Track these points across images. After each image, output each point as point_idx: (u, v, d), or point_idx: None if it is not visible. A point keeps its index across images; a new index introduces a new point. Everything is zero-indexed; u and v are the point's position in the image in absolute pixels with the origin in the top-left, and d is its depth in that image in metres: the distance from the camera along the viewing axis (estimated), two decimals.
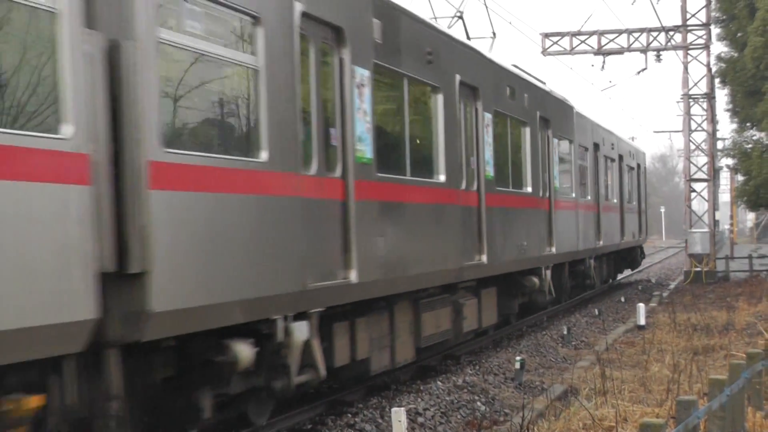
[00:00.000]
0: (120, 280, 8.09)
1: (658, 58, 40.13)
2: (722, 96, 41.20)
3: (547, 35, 41.57)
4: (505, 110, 19.82)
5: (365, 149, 12.53)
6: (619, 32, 40.51)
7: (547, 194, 23.04)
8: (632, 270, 43.24)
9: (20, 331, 7.02)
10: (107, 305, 7.94)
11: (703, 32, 39.47)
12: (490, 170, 18.10)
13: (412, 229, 14.12)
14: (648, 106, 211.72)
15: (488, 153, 18.02)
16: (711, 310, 26.66)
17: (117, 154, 8.15)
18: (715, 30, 39.76)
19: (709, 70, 40.17)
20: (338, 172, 11.88)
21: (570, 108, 27.20)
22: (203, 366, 9.64)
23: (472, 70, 17.41)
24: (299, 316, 10.70)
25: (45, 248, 7.28)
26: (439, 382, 15.27)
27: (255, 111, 10.14)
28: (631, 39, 40.29)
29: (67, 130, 7.54)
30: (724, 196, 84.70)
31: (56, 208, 7.41)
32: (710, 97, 40.85)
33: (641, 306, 24.06)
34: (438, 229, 15.26)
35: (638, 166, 39.42)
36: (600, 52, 40.61)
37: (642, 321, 23.50)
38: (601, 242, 30.11)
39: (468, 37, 23.34)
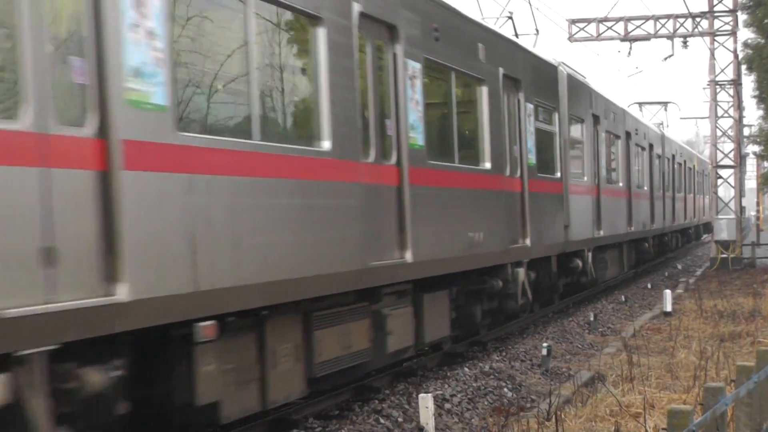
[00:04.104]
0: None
1: (685, 44, 39.99)
2: (749, 82, 40.84)
3: (573, 21, 41.49)
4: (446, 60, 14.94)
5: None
6: (646, 18, 40.38)
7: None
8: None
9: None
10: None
11: (729, 18, 39.25)
12: (418, 138, 13.58)
13: (266, 216, 9.76)
14: (674, 93, 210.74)
15: (414, 115, 13.48)
16: (737, 297, 26.60)
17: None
18: (742, 16, 39.45)
19: (736, 56, 39.92)
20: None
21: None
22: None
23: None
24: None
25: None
26: (465, 369, 15.33)
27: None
28: (658, 25, 40.15)
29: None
30: (751, 183, 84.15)
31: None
32: (737, 83, 40.63)
33: (668, 292, 24.02)
34: (318, 217, 10.83)
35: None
36: (626, 38, 40.48)
37: (668, 307, 23.47)
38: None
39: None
